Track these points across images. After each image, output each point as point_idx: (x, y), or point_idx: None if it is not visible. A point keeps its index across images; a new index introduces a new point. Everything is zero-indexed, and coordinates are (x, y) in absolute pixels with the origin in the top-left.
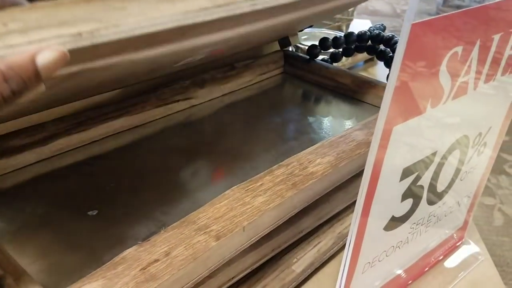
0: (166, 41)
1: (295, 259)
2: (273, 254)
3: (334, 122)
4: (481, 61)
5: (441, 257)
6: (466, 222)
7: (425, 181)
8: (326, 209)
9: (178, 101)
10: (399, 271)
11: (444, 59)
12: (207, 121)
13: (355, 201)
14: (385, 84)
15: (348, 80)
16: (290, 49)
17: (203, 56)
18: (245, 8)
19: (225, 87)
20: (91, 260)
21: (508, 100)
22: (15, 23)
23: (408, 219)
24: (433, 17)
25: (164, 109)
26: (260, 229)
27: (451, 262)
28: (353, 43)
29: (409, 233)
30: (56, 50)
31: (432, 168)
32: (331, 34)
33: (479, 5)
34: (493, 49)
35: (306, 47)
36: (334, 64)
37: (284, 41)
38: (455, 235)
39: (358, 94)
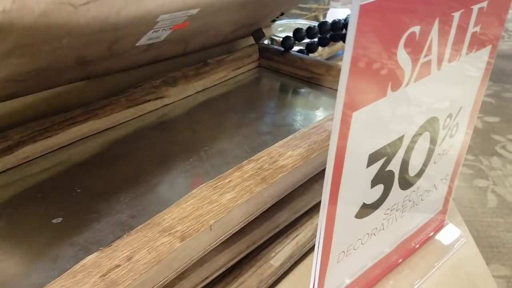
0: None
1: (273, 253)
2: (248, 251)
3: (310, 113)
4: (443, 40)
5: (422, 242)
6: (446, 205)
7: (395, 165)
8: (302, 202)
9: (149, 101)
10: (378, 258)
11: (400, 40)
12: (180, 120)
13: None
14: None
15: (322, 70)
16: (266, 42)
17: (166, 31)
18: None
19: (198, 84)
20: (54, 269)
21: (477, 78)
22: None
23: (380, 205)
24: None
25: (135, 109)
26: (228, 226)
27: (433, 245)
28: (328, 32)
29: (383, 219)
30: None
31: (401, 152)
32: (306, 24)
33: None
34: (454, 27)
35: (281, 39)
36: (311, 54)
37: (258, 34)
38: (435, 218)
39: (333, 83)
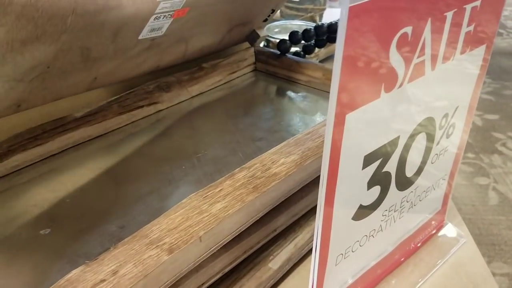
0: None
1: (271, 256)
2: (245, 256)
3: (307, 118)
4: (436, 40)
5: (421, 242)
6: (444, 205)
7: (391, 167)
8: (301, 205)
9: (142, 106)
10: (377, 260)
11: (392, 41)
12: (174, 126)
13: None
14: None
15: (319, 74)
16: (262, 44)
17: (167, 19)
18: None
19: (192, 89)
20: (40, 282)
21: (472, 78)
22: None
23: (378, 206)
24: None
25: (128, 116)
26: (219, 237)
27: (432, 246)
28: (324, 34)
29: (381, 220)
30: None
31: (398, 153)
32: (302, 25)
33: None
34: (447, 27)
35: (278, 41)
36: (308, 56)
37: (252, 36)
38: (434, 218)
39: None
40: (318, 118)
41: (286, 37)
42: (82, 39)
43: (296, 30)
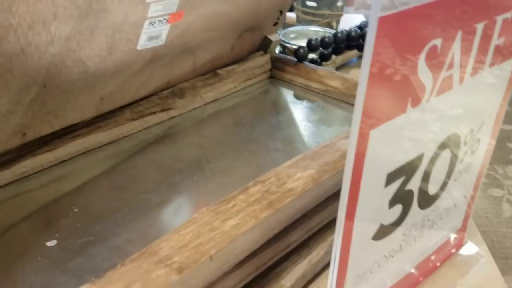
0: None
1: (284, 273)
2: (257, 272)
3: (323, 129)
4: (465, 53)
5: (440, 261)
6: (465, 223)
7: (414, 184)
8: (316, 220)
9: (155, 113)
10: (395, 281)
11: (421, 54)
12: (186, 134)
13: None
14: None
15: (337, 83)
16: (277, 51)
17: (163, 24)
18: None
19: (206, 96)
20: None
21: (500, 92)
22: None
23: (399, 225)
24: (403, 8)
25: (140, 122)
26: (231, 256)
27: (451, 266)
28: (343, 42)
29: (401, 240)
30: None
31: (421, 170)
32: (319, 31)
33: None
34: (477, 39)
35: (294, 47)
36: (324, 63)
37: (265, 42)
38: (453, 237)
39: (349, 97)
40: (336, 129)
41: (302, 43)
42: (74, 50)
43: (314, 37)
